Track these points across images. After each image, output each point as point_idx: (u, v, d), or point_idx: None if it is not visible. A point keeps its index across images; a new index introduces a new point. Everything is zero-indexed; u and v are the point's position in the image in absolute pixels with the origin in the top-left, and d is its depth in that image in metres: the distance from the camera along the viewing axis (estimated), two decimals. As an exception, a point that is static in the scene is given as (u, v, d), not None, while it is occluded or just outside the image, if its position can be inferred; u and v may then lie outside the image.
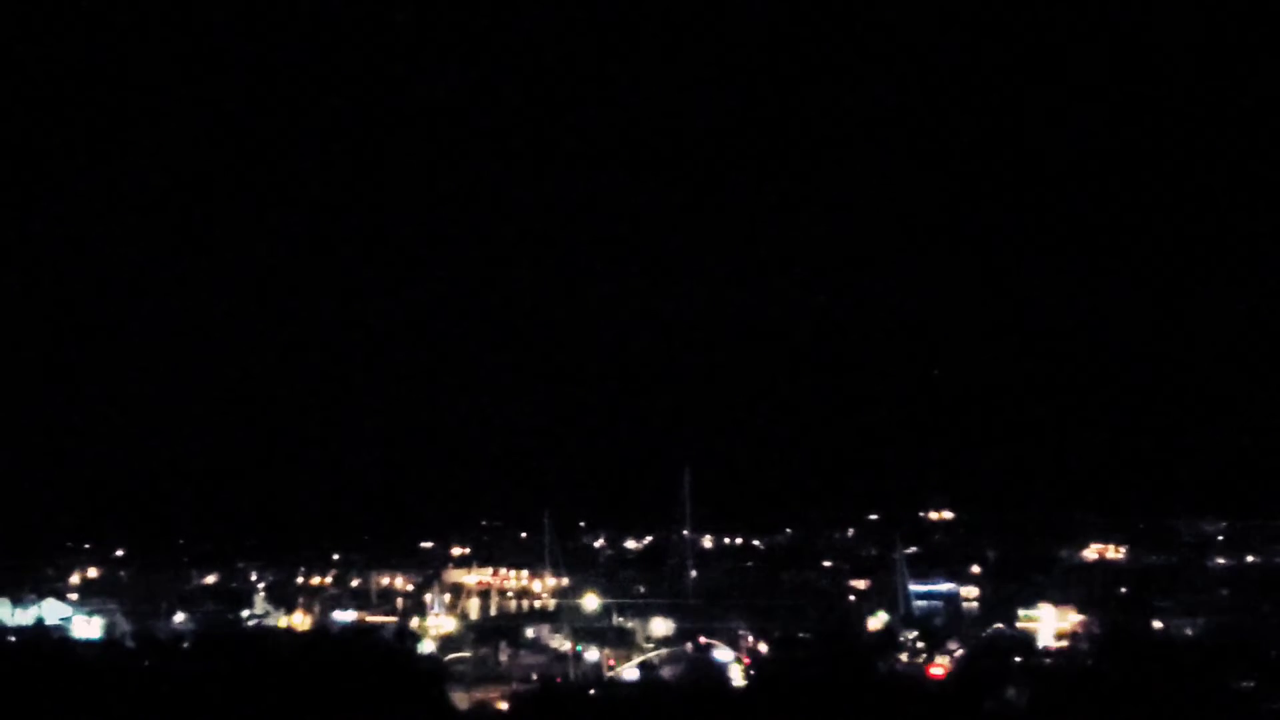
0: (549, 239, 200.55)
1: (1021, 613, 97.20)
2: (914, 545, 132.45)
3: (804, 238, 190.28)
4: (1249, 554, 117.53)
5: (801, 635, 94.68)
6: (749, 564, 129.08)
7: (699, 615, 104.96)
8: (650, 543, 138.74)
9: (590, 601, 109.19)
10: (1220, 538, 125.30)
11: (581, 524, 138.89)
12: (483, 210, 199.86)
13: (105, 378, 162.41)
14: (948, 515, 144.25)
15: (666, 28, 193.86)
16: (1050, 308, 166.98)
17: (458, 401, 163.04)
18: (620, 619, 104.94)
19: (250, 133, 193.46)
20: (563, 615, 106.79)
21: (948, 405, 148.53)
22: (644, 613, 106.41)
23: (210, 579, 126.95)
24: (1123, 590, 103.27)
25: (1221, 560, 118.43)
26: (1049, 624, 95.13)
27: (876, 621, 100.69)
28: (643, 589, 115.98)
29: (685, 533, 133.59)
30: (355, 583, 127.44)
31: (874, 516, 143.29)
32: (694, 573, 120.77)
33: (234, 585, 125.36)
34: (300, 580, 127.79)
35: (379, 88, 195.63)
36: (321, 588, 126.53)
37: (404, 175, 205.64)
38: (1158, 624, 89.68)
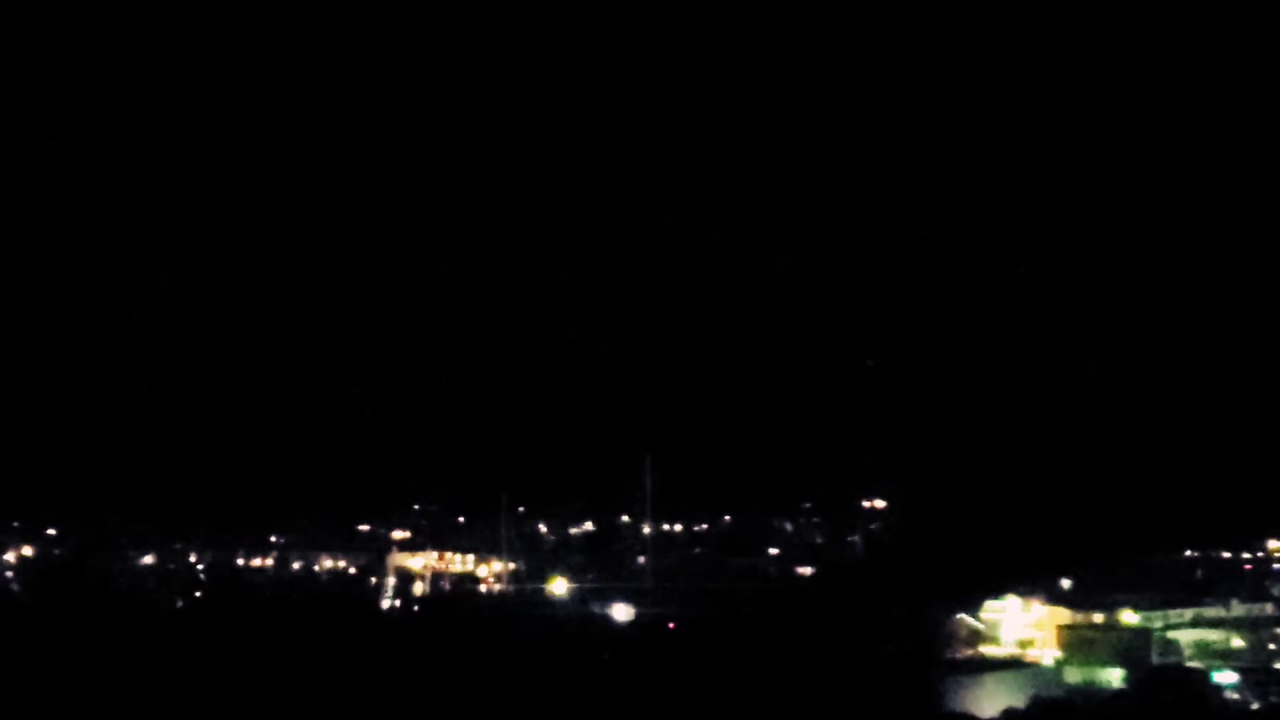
0: (508, 224, 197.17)
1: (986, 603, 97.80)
2: (852, 534, 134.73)
3: (754, 229, 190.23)
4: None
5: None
6: (696, 550, 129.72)
7: (661, 601, 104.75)
8: (592, 528, 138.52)
9: (559, 587, 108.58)
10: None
11: (521, 509, 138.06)
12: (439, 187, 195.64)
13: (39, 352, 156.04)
14: (880, 504, 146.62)
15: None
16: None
17: (387, 381, 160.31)
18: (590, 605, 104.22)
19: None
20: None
21: (886, 395, 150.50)
22: (605, 597, 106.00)
23: (148, 559, 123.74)
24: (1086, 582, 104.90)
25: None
26: (1014, 616, 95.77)
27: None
28: (593, 575, 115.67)
29: (626, 518, 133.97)
30: (297, 565, 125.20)
31: (808, 505, 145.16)
32: (643, 558, 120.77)
33: (171, 566, 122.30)
34: (240, 562, 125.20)
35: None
36: (263, 569, 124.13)
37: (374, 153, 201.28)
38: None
